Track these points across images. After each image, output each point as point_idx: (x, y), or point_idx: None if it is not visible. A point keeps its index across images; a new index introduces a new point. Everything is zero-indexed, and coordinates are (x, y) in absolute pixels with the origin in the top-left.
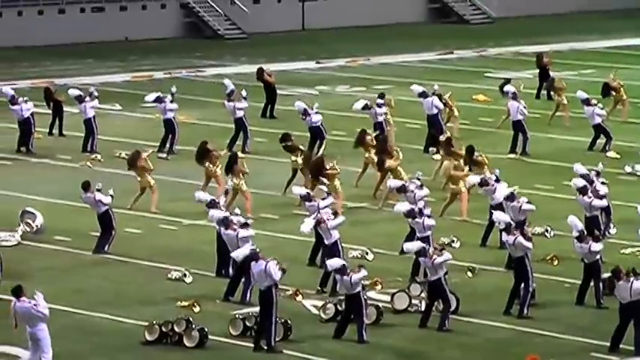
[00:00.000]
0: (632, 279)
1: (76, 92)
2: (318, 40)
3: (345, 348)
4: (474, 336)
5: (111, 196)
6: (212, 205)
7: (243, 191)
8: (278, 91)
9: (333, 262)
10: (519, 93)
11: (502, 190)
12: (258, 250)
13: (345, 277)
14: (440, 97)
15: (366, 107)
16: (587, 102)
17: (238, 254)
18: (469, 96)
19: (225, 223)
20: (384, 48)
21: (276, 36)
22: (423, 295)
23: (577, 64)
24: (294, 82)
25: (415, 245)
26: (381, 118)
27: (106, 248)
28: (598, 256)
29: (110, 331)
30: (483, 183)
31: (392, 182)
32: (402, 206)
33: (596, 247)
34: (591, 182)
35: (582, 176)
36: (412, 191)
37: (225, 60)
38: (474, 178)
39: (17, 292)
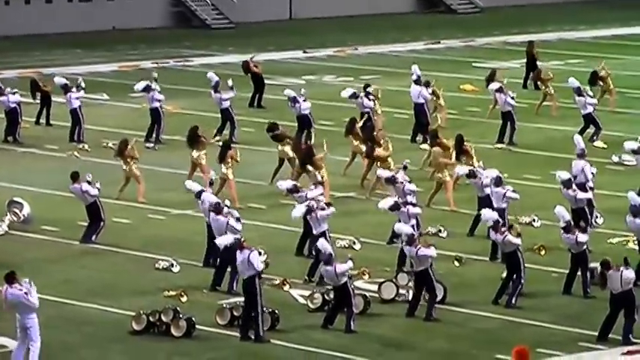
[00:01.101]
0: (622, 269)
1: (63, 81)
2: (305, 30)
3: (334, 338)
4: (462, 326)
5: (97, 188)
6: (200, 195)
7: (229, 179)
8: (266, 81)
9: (324, 245)
10: (504, 85)
11: (491, 173)
12: (242, 239)
13: (328, 268)
14: (428, 84)
15: (353, 96)
16: (578, 91)
17: (221, 241)
18: (456, 86)
19: (216, 208)
20: (371, 38)
21: (263, 26)
22: (410, 284)
23: (565, 54)
24: (281, 72)
25: (406, 228)
26: (367, 109)
27: (93, 238)
28: (585, 247)
29: (98, 321)
30: (471, 175)
31: (381, 172)
32: (386, 203)
33: (583, 238)
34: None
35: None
36: (401, 182)
37: (213, 50)
38: (462, 169)
39: (9, 278)
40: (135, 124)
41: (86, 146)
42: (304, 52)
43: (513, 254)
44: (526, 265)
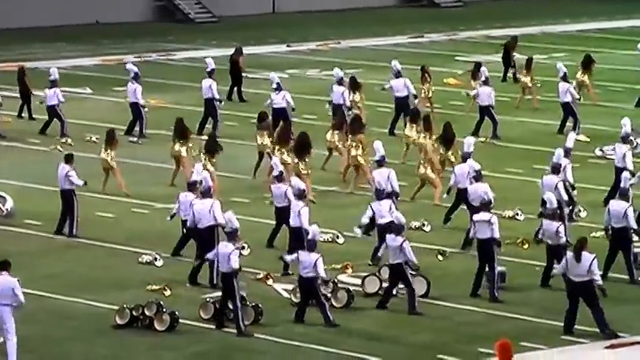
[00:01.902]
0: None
1: (56, 76)
2: (288, 24)
3: (317, 332)
4: (445, 319)
5: (84, 182)
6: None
7: (211, 172)
8: (249, 75)
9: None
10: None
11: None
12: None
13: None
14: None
15: (341, 81)
16: (564, 77)
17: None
18: (440, 80)
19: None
20: (355, 32)
21: (246, 19)
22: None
23: (549, 48)
24: (264, 66)
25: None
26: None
27: (74, 232)
28: (563, 239)
29: (82, 315)
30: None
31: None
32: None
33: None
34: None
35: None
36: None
37: (196, 44)
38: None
39: (3, 265)
40: (118, 118)
41: (69, 140)
42: (287, 45)
43: (486, 244)
44: (509, 258)
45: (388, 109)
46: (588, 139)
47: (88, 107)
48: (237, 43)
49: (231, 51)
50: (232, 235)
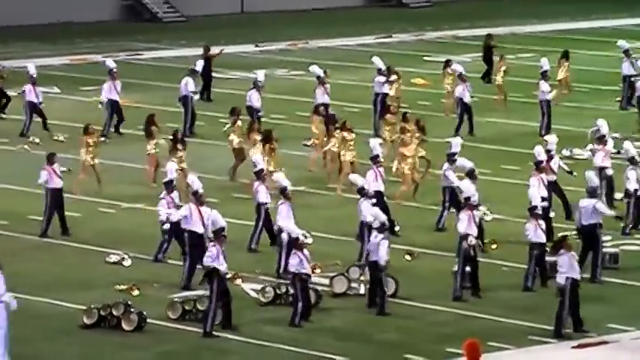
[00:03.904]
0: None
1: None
2: (257, 24)
3: (286, 331)
4: (414, 319)
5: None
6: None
7: (184, 169)
8: (218, 75)
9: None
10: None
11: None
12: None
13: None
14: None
15: (319, 78)
16: (544, 75)
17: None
18: (408, 80)
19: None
20: (323, 32)
21: (215, 19)
22: (362, 278)
23: (516, 49)
24: (233, 66)
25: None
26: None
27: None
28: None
29: (49, 314)
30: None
31: (353, 177)
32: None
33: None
34: (551, 158)
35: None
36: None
37: (164, 43)
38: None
39: None
40: (86, 117)
41: (37, 139)
42: (256, 45)
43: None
44: (477, 258)
45: (356, 108)
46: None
47: (55, 107)
48: (205, 42)
49: (199, 51)
50: (218, 235)
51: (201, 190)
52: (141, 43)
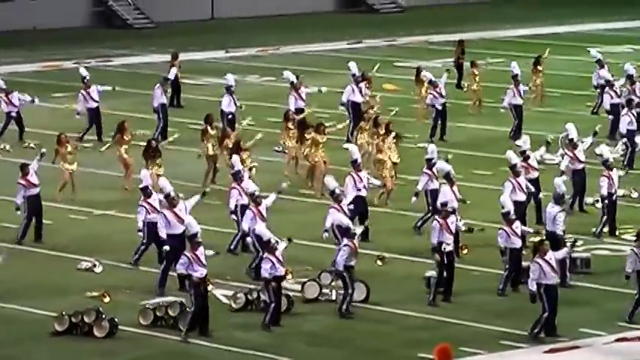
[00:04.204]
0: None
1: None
2: (227, 30)
3: (257, 337)
4: (386, 324)
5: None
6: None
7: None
8: (188, 81)
9: (262, 230)
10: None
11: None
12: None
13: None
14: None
15: (292, 84)
16: (516, 78)
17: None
18: (379, 85)
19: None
20: (294, 37)
21: (185, 25)
22: (333, 284)
23: (487, 53)
24: (203, 72)
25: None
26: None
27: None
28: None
29: (20, 321)
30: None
31: (327, 180)
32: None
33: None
34: (527, 159)
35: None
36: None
37: (135, 50)
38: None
39: None
40: (57, 124)
41: (7, 146)
42: (226, 51)
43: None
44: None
45: (325, 114)
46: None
47: (26, 113)
48: (175, 49)
49: (169, 57)
50: (192, 240)
51: (173, 193)
52: (111, 49)
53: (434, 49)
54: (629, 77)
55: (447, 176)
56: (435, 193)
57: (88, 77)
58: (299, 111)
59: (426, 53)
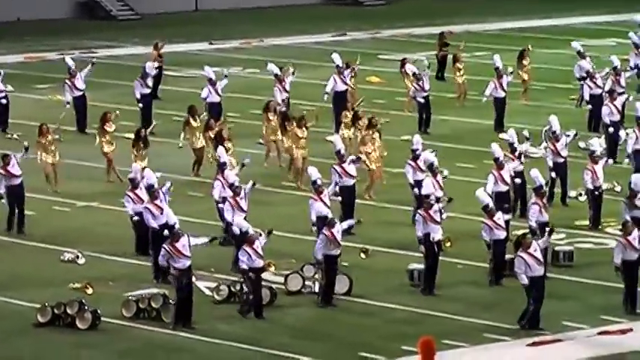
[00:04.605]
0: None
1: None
2: (211, 21)
3: (240, 329)
4: (368, 317)
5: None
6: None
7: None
8: (172, 73)
9: (239, 221)
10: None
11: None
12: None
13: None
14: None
15: (276, 76)
16: (498, 71)
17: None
18: (362, 78)
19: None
20: (278, 30)
21: (169, 17)
22: (316, 276)
23: (472, 46)
24: (187, 64)
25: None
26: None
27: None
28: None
29: (3, 313)
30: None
31: (311, 171)
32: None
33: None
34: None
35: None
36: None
37: (119, 41)
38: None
39: None
40: (40, 115)
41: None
42: (210, 43)
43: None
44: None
45: (311, 106)
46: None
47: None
48: (158, 41)
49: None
50: (171, 231)
51: (156, 185)
52: (95, 41)
53: (418, 41)
54: (614, 69)
55: (431, 167)
56: (420, 185)
57: (73, 67)
58: (284, 102)
59: (410, 46)
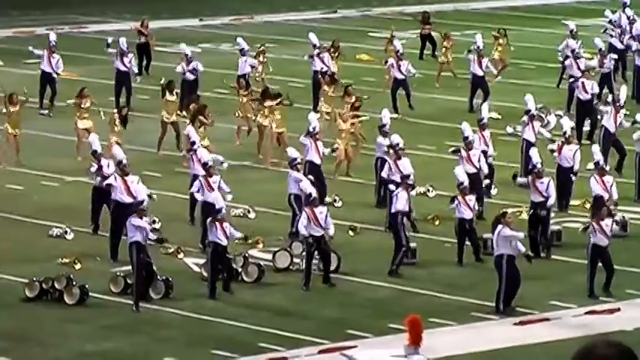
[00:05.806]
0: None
1: None
2: None
3: (227, 306)
4: (355, 295)
5: None
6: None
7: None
8: (161, 49)
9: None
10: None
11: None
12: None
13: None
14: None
15: (241, 51)
16: (479, 51)
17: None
18: (353, 56)
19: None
20: (268, 6)
21: None
22: (304, 253)
23: (461, 25)
24: (177, 40)
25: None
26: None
27: None
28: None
29: None
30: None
31: (290, 150)
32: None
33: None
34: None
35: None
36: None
37: (108, 16)
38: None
39: None
40: (30, 90)
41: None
42: (200, 19)
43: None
44: (420, 235)
45: (301, 84)
46: (500, 117)
47: None
48: (148, 16)
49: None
50: (138, 207)
51: (125, 161)
52: (84, 16)
53: (408, 19)
54: (600, 50)
55: (394, 147)
56: (383, 162)
57: (54, 43)
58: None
59: (400, 24)
